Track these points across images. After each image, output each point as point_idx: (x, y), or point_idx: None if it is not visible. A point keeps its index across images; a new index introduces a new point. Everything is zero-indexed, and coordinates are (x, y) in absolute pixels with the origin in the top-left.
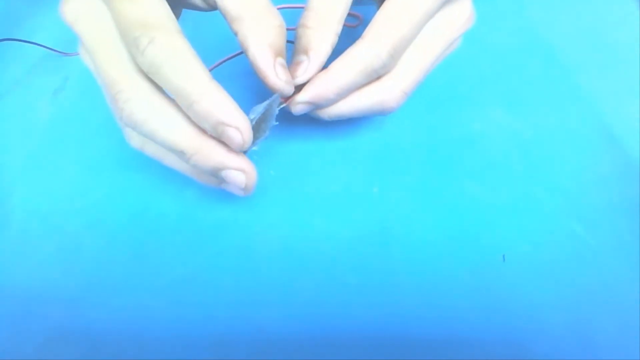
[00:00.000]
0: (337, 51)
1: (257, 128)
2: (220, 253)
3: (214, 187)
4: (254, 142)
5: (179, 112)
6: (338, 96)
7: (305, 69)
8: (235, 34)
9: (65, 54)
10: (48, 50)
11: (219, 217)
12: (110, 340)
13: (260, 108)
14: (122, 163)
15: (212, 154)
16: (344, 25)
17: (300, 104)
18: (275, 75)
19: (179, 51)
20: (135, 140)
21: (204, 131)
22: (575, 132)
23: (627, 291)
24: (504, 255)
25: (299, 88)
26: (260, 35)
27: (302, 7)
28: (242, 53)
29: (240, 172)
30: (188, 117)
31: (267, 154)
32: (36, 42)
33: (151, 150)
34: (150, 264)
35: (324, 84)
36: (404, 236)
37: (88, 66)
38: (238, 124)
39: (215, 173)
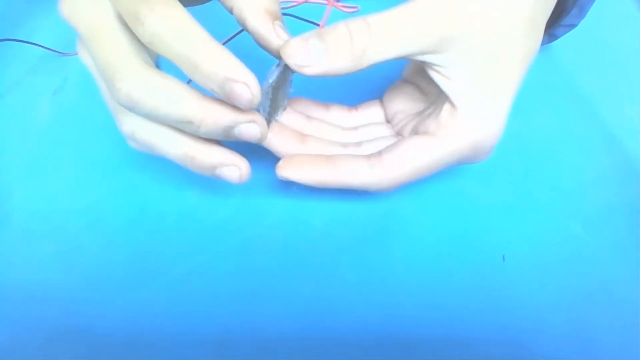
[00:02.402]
0: None
1: (276, 96)
2: (220, 253)
3: (207, 174)
4: (276, 112)
5: (179, 85)
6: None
7: (309, 64)
8: (231, 12)
9: (65, 54)
10: (48, 50)
11: (219, 217)
12: (111, 340)
13: (272, 74)
14: (122, 163)
15: (221, 114)
16: (341, 10)
17: (289, 178)
18: (277, 37)
19: (179, 17)
20: (126, 126)
21: (206, 96)
22: (574, 132)
23: (626, 291)
24: (503, 255)
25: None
26: (255, 3)
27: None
28: (229, 40)
29: (253, 124)
30: (189, 87)
31: (269, 152)
32: (36, 42)
33: (143, 136)
34: (150, 264)
35: (326, 176)
36: (404, 236)
37: (85, 63)
38: (245, 78)
39: (228, 133)
